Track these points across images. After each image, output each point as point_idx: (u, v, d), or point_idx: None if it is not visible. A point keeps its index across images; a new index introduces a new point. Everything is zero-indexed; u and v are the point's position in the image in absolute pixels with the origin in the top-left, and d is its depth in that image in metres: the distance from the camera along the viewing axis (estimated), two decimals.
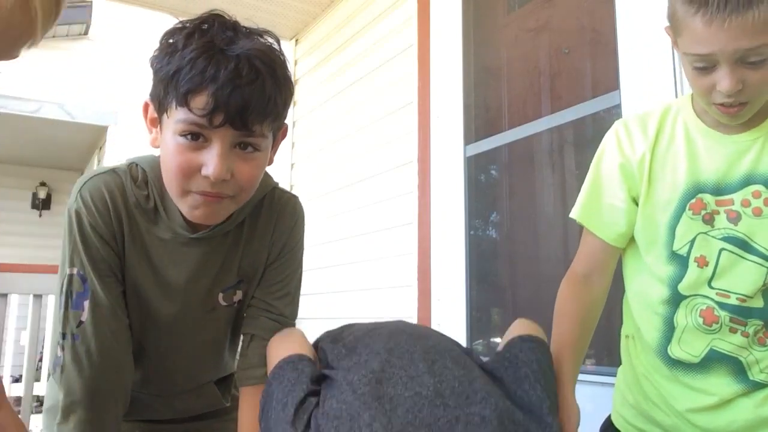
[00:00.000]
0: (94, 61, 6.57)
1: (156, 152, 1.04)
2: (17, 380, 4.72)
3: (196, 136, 0.91)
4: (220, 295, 1.10)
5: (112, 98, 6.24)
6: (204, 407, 1.23)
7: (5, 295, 2.05)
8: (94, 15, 6.73)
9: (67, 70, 6.44)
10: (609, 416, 1.17)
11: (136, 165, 1.05)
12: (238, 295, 1.12)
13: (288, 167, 3.89)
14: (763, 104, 1.00)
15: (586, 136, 2.18)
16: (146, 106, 0.99)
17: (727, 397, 1.00)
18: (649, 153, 1.07)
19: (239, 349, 1.16)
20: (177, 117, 0.90)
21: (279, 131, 1.03)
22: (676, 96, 1.71)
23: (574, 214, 1.15)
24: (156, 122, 0.97)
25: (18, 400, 2.07)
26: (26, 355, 2.13)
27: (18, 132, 6.47)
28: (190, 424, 1.22)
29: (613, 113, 1.96)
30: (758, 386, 0.99)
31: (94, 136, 6.85)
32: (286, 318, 1.13)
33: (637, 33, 1.87)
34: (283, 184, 4.16)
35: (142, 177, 1.03)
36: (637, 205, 1.08)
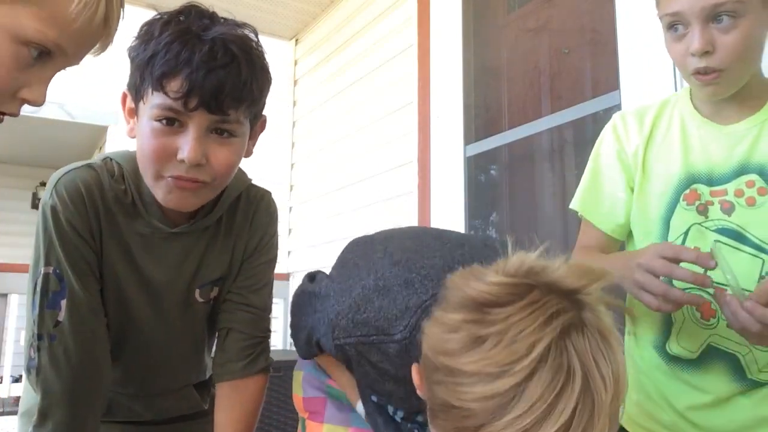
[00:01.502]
0: (94, 61, 6.57)
1: (130, 147, 1.04)
2: (17, 380, 4.72)
3: (171, 121, 0.90)
4: (197, 291, 1.09)
5: (112, 98, 6.25)
6: (183, 409, 1.22)
7: (5, 295, 2.05)
8: None
9: (67, 70, 6.43)
10: None
11: (111, 159, 1.03)
12: (215, 291, 1.11)
13: (288, 167, 3.88)
14: (757, 89, 1.01)
15: (586, 136, 2.18)
16: (124, 96, 0.99)
17: (725, 395, 0.99)
18: (643, 145, 1.07)
19: (215, 345, 1.15)
20: (153, 102, 0.90)
21: (257, 121, 1.02)
22: None
23: (573, 204, 1.16)
24: (133, 113, 0.97)
25: (18, 400, 2.07)
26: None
27: (18, 132, 6.47)
28: (170, 425, 1.21)
29: (613, 113, 1.96)
30: (756, 385, 0.98)
31: (94, 136, 6.84)
32: (262, 310, 1.12)
33: (637, 33, 1.87)
34: (283, 184, 4.13)
35: (118, 171, 1.01)
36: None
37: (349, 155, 3.32)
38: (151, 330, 1.08)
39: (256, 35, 0.98)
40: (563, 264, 0.67)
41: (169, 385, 1.18)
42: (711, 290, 0.98)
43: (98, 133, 6.67)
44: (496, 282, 0.64)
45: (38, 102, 0.66)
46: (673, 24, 0.97)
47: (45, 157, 7.41)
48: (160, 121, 0.90)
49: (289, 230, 3.76)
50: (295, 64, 3.89)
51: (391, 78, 3.04)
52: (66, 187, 0.97)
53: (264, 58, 0.98)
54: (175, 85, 0.88)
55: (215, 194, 1.01)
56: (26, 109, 0.78)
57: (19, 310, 4.13)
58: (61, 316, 0.97)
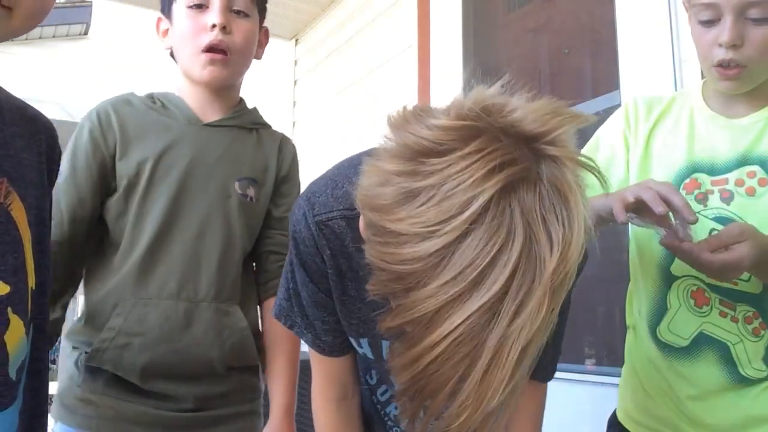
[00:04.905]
0: (94, 61, 6.58)
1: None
2: None
3: (199, 6, 1.16)
4: (236, 184, 1.19)
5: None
6: (231, 358, 1.16)
7: None
8: (94, 15, 6.74)
9: (67, 70, 6.43)
10: (615, 411, 1.18)
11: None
12: (251, 191, 1.21)
13: None
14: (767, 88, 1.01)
15: (586, 137, 2.18)
16: (158, 20, 1.24)
17: (715, 387, 1.00)
18: (648, 130, 1.09)
19: (257, 268, 1.26)
20: None
21: (262, 17, 1.25)
22: None
23: None
24: (166, 33, 1.22)
25: None
26: None
27: None
28: (204, 413, 1.16)
29: (613, 113, 1.96)
30: (747, 382, 0.99)
31: None
32: None
33: (637, 33, 1.87)
34: None
35: (147, 93, 1.24)
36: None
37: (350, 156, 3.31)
38: (192, 216, 1.16)
39: None
40: (525, 103, 0.55)
41: (205, 288, 1.15)
42: (704, 276, 0.98)
43: None
44: (439, 125, 0.53)
45: None
46: (705, 15, 0.97)
47: None
48: (190, 7, 1.16)
49: None
50: (295, 64, 3.89)
51: (391, 78, 3.04)
52: (95, 109, 1.22)
53: None
54: None
55: (238, 70, 1.22)
56: None
57: None
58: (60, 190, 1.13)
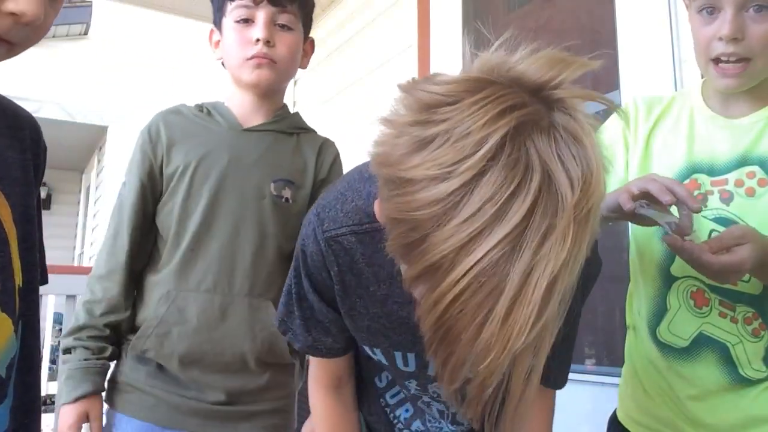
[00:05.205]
0: (94, 61, 6.58)
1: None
2: None
3: (246, 20, 1.23)
4: (271, 185, 1.24)
5: (112, 98, 6.25)
6: (262, 353, 1.20)
7: None
8: (94, 15, 6.74)
9: (67, 70, 6.43)
10: (615, 411, 1.18)
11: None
12: (287, 192, 1.25)
13: None
14: (767, 88, 1.01)
15: None
16: (211, 32, 1.32)
17: (715, 387, 1.00)
18: (647, 131, 1.09)
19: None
20: (231, 8, 1.24)
21: (307, 29, 1.31)
22: None
23: None
24: (218, 43, 1.29)
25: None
26: None
27: None
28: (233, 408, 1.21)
29: (613, 113, 1.96)
30: (747, 383, 0.99)
31: (94, 136, 6.85)
32: None
33: (637, 33, 1.87)
34: None
35: (196, 104, 1.32)
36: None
37: (350, 156, 3.31)
38: (228, 215, 1.22)
39: None
40: (527, 56, 0.56)
41: (239, 283, 1.20)
42: (704, 277, 0.98)
43: (98, 133, 6.68)
44: (449, 81, 0.56)
45: (27, 13, 0.59)
46: (705, 7, 0.97)
47: None
48: (237, 22, 1.23)
49: None
50: None
51: (391, 78, 3.04)
52: (149, 123, 1.28)
53: None
54: None
55: (283, 76, 1.29)
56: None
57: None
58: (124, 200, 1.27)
